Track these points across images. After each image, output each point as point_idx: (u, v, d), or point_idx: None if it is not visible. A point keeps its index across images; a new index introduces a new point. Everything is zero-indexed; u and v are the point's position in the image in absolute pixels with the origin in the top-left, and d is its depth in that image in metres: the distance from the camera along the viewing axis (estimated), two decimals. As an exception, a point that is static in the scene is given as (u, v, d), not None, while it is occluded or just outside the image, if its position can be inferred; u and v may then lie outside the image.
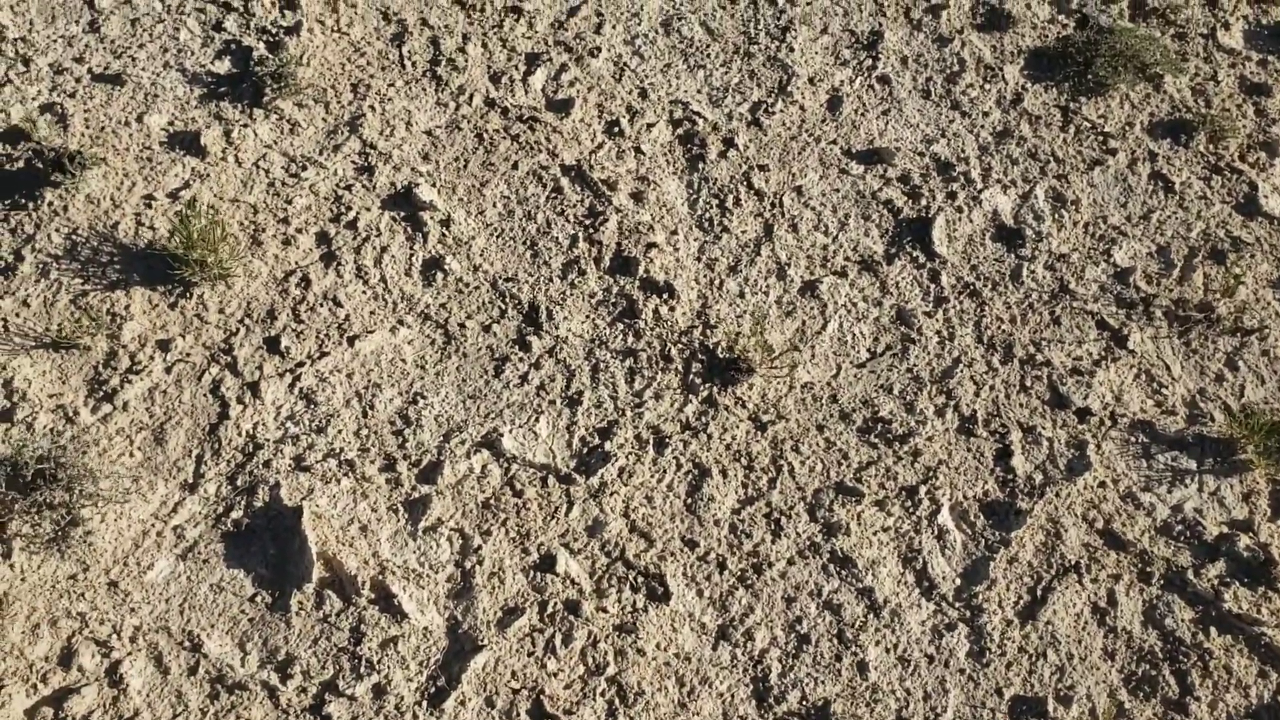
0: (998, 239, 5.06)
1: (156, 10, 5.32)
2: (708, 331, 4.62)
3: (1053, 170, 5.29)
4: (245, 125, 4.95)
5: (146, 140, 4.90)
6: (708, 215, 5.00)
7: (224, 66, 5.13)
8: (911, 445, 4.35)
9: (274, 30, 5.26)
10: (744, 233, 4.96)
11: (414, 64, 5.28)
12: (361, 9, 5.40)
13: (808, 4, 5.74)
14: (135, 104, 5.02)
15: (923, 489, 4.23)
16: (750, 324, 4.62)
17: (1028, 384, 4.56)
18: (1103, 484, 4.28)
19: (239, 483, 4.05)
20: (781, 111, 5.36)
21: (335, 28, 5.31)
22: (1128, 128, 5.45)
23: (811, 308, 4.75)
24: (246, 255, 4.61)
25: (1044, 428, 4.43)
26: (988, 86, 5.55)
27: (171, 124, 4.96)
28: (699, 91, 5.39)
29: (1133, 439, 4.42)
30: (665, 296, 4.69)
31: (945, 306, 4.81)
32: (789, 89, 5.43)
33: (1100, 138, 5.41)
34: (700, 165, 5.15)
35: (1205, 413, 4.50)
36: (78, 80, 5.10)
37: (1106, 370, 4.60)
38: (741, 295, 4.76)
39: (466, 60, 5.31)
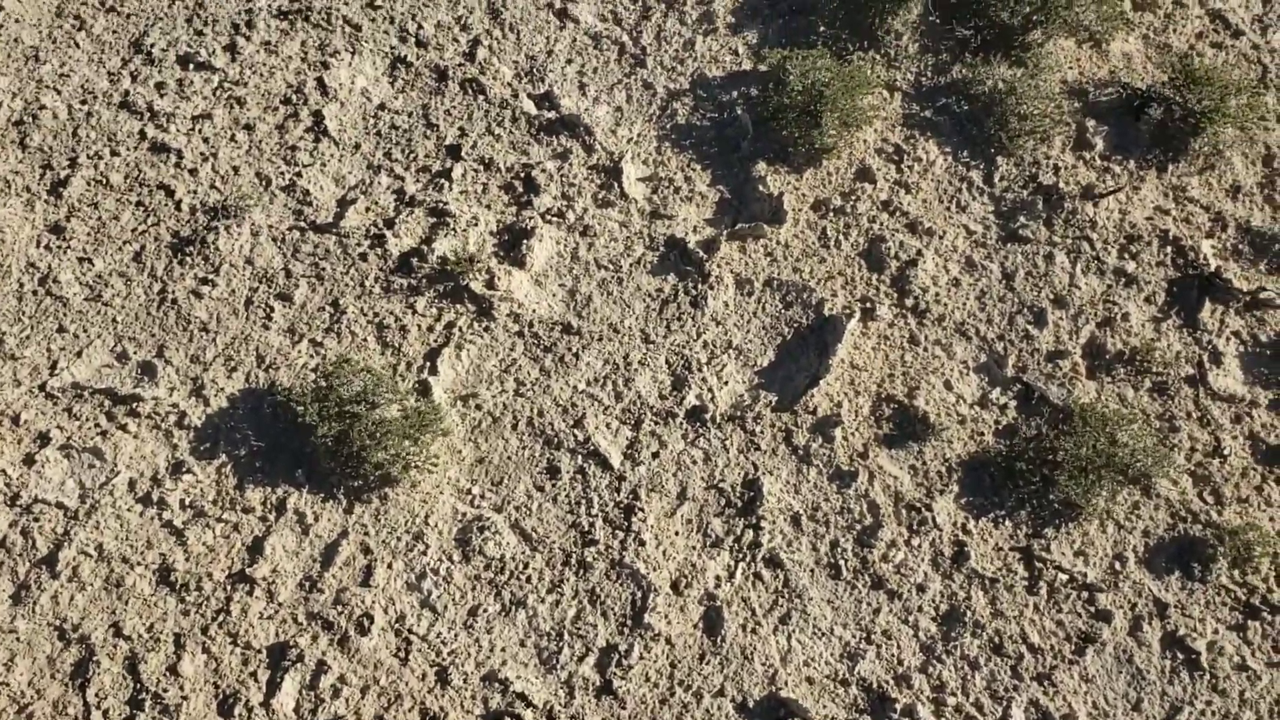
0: (975, 820, 3.54)
1: None
2: None
3: (1029, 668, 3.76)
4: None
5: None
6: None
7: None
8: None
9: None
10: None
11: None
12: None
13: (654, 457, 4.14)
14: None
15: None
16: None
17: None
18: None
19: None
20: (642, 658, 3.77)
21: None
22: (1118, 567, 3.91)
23: None
24: None
25: None
26: (916, 539, 3.98)
27: None
28: (522, 646, 3.79)
29: None
30: None
31: None
32: (645, 614, 3.84)
33: (1084, 594, 3.87)
34: (538, 793, 3.56)
35: None
36: None
37: None
38: None
39: (183, 688, 3.67)
